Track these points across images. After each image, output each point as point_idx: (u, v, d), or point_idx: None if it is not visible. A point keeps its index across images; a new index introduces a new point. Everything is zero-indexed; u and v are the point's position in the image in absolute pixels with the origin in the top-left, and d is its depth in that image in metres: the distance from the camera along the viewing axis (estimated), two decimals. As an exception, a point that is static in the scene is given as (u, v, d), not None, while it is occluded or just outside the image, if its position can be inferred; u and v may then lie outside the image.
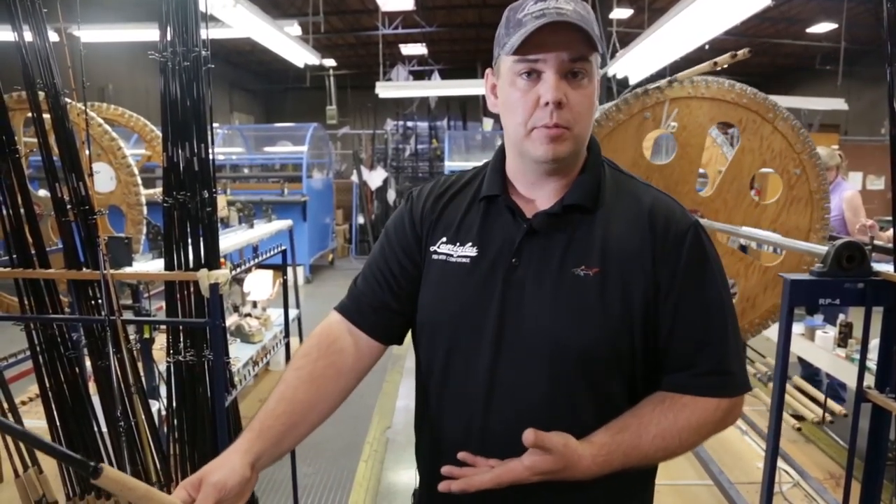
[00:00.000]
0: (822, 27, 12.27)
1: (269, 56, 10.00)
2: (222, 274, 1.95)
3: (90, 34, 6.09)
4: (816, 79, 14.78)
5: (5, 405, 2.27)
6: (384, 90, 9.27)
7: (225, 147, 11.08)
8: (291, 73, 14.09)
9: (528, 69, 0.99)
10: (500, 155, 1.14)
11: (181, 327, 2.03)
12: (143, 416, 2.13)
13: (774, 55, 15.44)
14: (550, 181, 1.08)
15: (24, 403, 3.21)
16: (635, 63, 6.28)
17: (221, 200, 6.21)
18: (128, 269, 2.40)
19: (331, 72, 13.57)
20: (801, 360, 3.79)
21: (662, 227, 1.03)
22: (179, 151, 1.91)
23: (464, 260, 1.11)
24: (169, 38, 1.83)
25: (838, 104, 9.01)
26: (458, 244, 1.12)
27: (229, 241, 4.26)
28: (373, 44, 13.37)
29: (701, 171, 2.77)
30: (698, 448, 3.17)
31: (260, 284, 5.08)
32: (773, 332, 2.93)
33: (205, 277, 1.92)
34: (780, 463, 2.51)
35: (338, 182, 11.47)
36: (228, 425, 2.04)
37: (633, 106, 2.51)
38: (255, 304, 5.13)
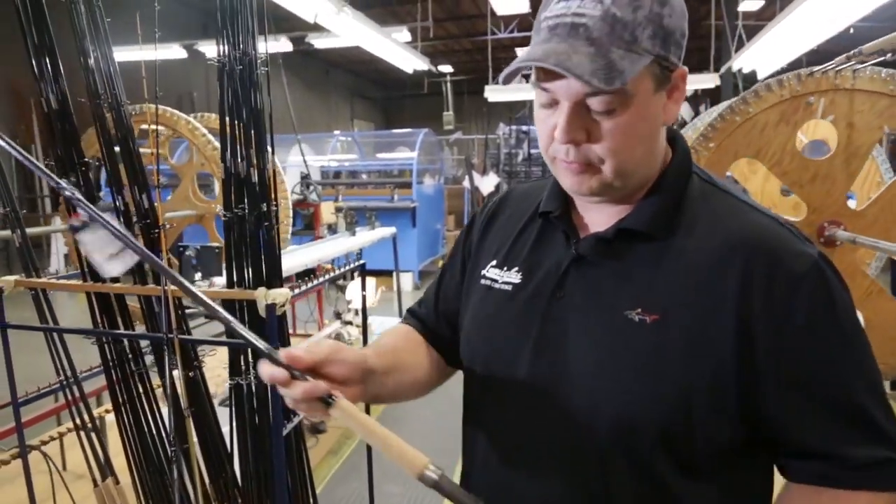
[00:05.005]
0: None
1: (385, 65, 10.11)
2: (281, 294, 1.82)
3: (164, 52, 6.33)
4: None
5: (86, 416, 2.28)
6: (493, 94, 9.10)
7: (341, 154, 11.40)
8: (409, 80, 14.24)
9: (546, 99, 0.79)
10: None
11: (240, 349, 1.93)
12: (210, 439, 2.06)
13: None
14: (606, 203, 0.86)
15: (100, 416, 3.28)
16: (763, 56, 5.71)
17: (328, 207, 6.29)
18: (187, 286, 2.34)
19: (447, 77, 13.58)
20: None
21: (765, 266, 0.75)
22: (238, 161, 1.81)
23: (506, 287, 0.92)
24: (225, 44, 1.73)
25: None
26: (505, 268, 0.94)
27: (328, 249, 4.25)
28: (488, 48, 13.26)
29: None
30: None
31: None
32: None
33: (262, 297, 1.80)
34: None
35: (449, 188, 11.42)
36: (288, 454, 1.92)
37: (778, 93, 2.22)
38: (357, 312, 5.11)
